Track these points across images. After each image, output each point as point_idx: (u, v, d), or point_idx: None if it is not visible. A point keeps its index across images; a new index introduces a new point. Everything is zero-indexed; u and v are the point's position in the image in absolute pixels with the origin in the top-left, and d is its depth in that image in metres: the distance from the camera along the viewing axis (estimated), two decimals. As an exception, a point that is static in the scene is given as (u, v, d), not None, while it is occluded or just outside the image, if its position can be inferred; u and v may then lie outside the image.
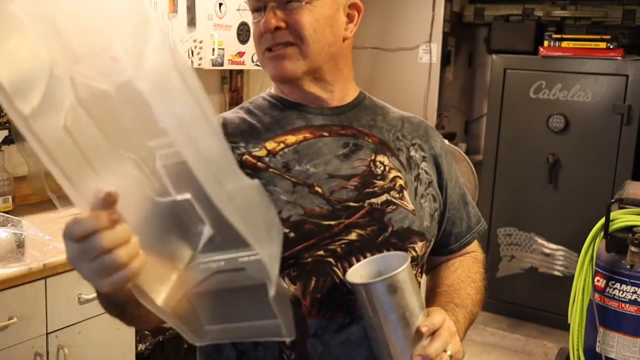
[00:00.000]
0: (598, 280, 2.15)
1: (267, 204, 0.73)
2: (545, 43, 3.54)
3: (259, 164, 1.04)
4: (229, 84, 3.34)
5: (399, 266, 0.93)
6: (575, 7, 3.71)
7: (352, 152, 1.08)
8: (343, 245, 1.01)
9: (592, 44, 3.44)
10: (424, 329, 0.92)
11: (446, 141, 1.28)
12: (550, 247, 3.65)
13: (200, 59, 2.64)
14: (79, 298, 1.89)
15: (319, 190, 1.03)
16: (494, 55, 3.72)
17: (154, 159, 0.69)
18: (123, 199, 0.67)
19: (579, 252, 2.25)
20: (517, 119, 3.65)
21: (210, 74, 3.15)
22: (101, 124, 0.66)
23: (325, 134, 1.08)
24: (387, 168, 1.08)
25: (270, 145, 1.06)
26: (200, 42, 2.62)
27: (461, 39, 4.21)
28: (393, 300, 0.92)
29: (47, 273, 1.79)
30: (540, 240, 3.68)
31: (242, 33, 2.84)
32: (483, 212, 3.20)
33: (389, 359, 0.95)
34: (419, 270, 1.11)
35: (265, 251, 0.68)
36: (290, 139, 1.07)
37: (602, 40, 3.41)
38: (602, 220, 2.14)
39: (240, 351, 1.05)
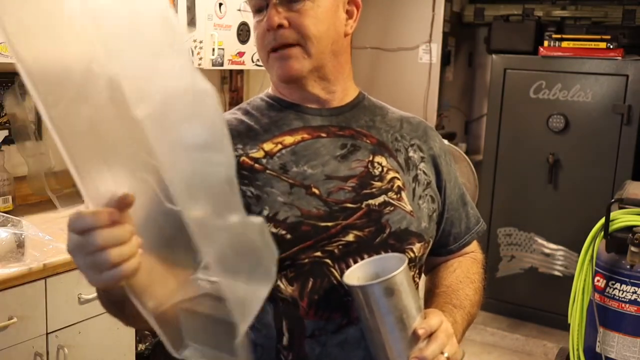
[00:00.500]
0: (598, 280, 2.15)
1: (265, 244, 0.69)
2: (545, 43, 3.54)
3: (257, 165, 1.04)
4: (229, 84, 3.34)
5: (397, 268, 0.93)
6: (575, 7, 3.71)
7: (350, 153, 1.07)
8: (340, 247, 1.01)
9: (592, 44, 3.44)
10: (420, 332, 0.92)
11: (445, 141, 1.28)
12: (550, 247, 3.65)
13: (200, 59, 2.64)
14: (79, 298, 1.89)
15: (316, 191, 1.03)
16: (494, 55, 3.72)
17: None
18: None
19: (579, 252, 2.25)
20: (517, 119, 3.65)
21: (210, 74, 3.15)
22: (128, 125, 0.64)
23: (323, 134, 1.08)
24: (385, 169, 1.07)
25: (267, 146, 1.06)
26: (200, 42, 2.62)
27: (461, 39, 4.21)
28: (390, 302, 0.92)
29: (47, 273, 1.79)
30: (540, 240, 3.68)
31: (242, 33, 2.84)
32: (483, 212, 3.24)
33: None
34: (417, 271, 1.11)
35: (238, 293, 0.68)
36: (288, 139, 1.07)
37: (602, 40, 3.41)
38: (602, 220, 2.14)
39: None
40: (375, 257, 1.01)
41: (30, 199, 2.37)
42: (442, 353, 0.93)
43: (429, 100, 3.90)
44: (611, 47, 3.37)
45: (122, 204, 0.68)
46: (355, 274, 0.99)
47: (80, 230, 0.68)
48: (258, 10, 1.04)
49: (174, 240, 0.72)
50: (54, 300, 1.83)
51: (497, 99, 3.69)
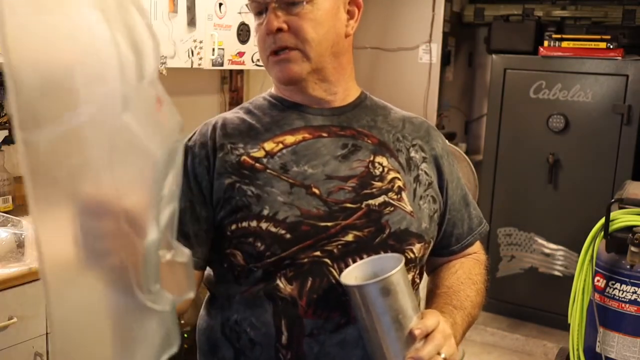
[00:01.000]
0: (598, 280, 2.15)
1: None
2: (545, 43, 3.54)
3: (257, 165, 1.04)
4: (229, 84, 3.34)
5: (394, 268, 0.93)
6: (575, 7, 3.71)
7: (350, 153, 1.07)
8: (340, 247, 1.02)
9: (592, 44, 3.44)
10: (416, 332, 0.92)
11: (447, 142, 1.28)
12: (550, 247, 3.65)
13: (200, 59, 2.64)
14: (79, 298, 1.89)
15: (316, 191, 1.03)
16: (494, 55, 3.72)
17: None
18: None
19: (579, 252, 2.25)
20: (517, 119, 3.65)
21: (210, 74, 3.15)
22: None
23: (324, 134, 1.08)
24: (385, 169, 1.07)
25: (268, 145, 1.06)
26: (200, 42, 2.62)
27: (461, 39, 4.21)
28: (386, 302, 0.92)
29: (47, 273, 1.79)
30: (540, 240, 3.68)
31: (242, 33, 2.83)
32: (483, 212, 3.21)
33: None
34: (417, 271, 1.11)
35: None
36: (289, 139, 1.07)
37: (602, 40, 3.41)
38: (602, 220, 2.14)
39: (238, 350, 1.05)
40: (373, 257, 1.01)
41: (30, 199, 2.37)
42: (439, 354, 0.93)
43: (429, 100, 3.90)
44: (611, 47, 3.37)
45: None
46: (353, 274, 0.99)
47: None
48: (258, 13, 1.05)
49: None
50: (54, 300, 1.83)
51: (497, 99, 3.69)
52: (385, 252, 1.03)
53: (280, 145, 1.06)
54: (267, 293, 1.02)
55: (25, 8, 0.51)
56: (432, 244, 1.13)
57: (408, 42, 3.97)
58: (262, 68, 3.39)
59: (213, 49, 2.67)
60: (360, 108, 1.13)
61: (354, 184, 1.05)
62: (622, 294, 2.09)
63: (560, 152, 3.53)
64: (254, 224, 1.01)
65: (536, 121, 3.57)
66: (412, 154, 1.12)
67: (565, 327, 2.33)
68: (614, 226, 2.11)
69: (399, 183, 1.07)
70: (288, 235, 1.00)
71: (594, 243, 2.18)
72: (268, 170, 1.04)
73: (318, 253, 1.01)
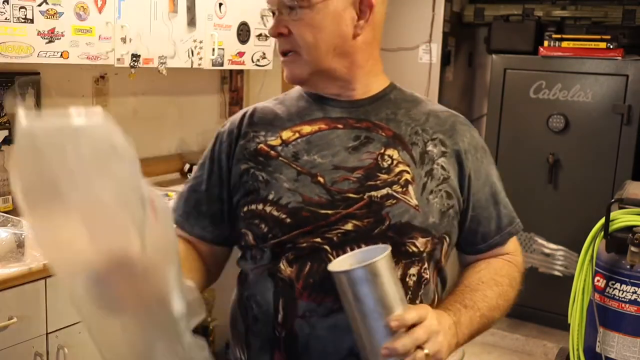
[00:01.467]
0: (598, 280, 2.15)
1: None
2: (545, 43, 3.54)
3: (271, 152, 1.11)
4: (229, 84, 3.34)
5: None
6: (575, 7, 3.71)
7: (362, 144, 1.09)
8: (339, 235, 1.05)
9: (592, 44, 3.43)
10: (392, 323, 0.93)
11: (479, 138, 1.20)
12: (550, 247, 3.65)
13: (200, 59, 2.64)
14: (79, 298, 1.89)
15: (321, 180, 1.07)
16: (494, 55, 3.71)
17: None
18: None
19: (579, 252, 2.25)
20: (517, 119, 3.65)
21: (210, 74, 3.15)
22: None
23: (340, 126, 1.11)
24: (394, 162, 1.08)
25: (286, 134, 1.12)
26: (200, 42, 2.62)
27: (461, 39, 4.20)
28: (366, 290, 0.93)
29: (47, 273, 1.79)
30: (540, 240, 3.68)
31: (242, 33, 2.83)
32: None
33: (363, 350, 0.96)
34: (425, 265, 1.09)
35: None
36: (306, 129, 1.12)
37: (602, 40, 3.41)
38: (602, 220, 2.14)
39: (247, 325, 1.12)
40: (365, 248, 1.03)
41: (30, 199, 2.37)
42: (422, 349, 0.92)
43: (429, 100, 3.90)
44: (611, 47, 3.37)
45: None
46: (347, 262, 1.00)
47: None
48: (273, 13, 1.11)
49: None
50: (54, 300, 1.83)
51: (497, 99, 3.69)
52: (385, 242, 1.03)
53: (297, 135, 1.11)
54: (271, 273, 1.08)
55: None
56: (448, 240, 1.11)
57: (408, 42, 3.97)
58: (262, 68, 3.38)
59: (213, 49, 2.67)
60: (382, 101, 1.14)
61: (360, 175, 1.07)
62: (622, 294, 2.09)
63: (560, 152, 3.53)
64: (260, 207, 1.08)
65: (536, 121, 3.57)
66: (430, 147, 1.10)
67: (565, 327, 2.33)
68: (614, 226, 2.11)
69: (406, 176, 1.07)
70: (288, 220, 1.05)
71: (594, 243, 2.18)
72: (280, 158, 1.10)
73: (318, 239, 1.05)
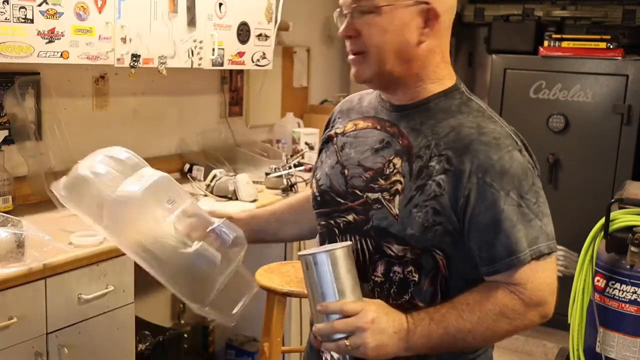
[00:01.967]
0: (598, 280, 2.15)
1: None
2: (545, 43, 3.55)
3: (334, 139, 1.28)
4: (229, 84, 3.34)
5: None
6: (575, 7, 3.71)
7: (382, 148, 1.18)
8: (344, 223, 1.21)
9: (592, 44, 3.44)
10: (318, 307, 1.08)
11: (503, 163, 1.10)
12: (550, 247, 3.65)
13: (200, 59, 2.64)
14: (79, 298, 1.89)
15: (345, 172, 1.22)
16: (494, 55, 3.72)
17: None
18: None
19: (579, 252, 2.25)
20: (517, 119, 3.64)
21: (210, 74, 3.15)
22: None
23: (378, 127, 1.21)
24: (394, 171, 1.14)
25: (348, 125, 1.27)
26: (200, 42, 2.62)
27: (461, 39, 4.21)
28: (310, 275, 1.09)
29: (47, 273, 1.79)
30: (540, 240, 3.68)
31: (242, 33, 2.83)
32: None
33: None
34: (407, 268, 1.14)
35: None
36: (360, 124, 1.25)
37: (602, 40, 3.41)
38: (602, 220, 2.14)
39: None
40: (334, 244, 1.18)
41: (30, 199, 2.37)
42: (346, 339, 1.05)
43: (429, 100, 3.90)
44: (611, 47, 3.37)
45: None
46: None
47: None
48: (343, 15, 1.17)
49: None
50: (54, 300, 1.83)
51: (497, 99, 3.69)
52: (368, 241, 1.16)
53: (353, 127, 1.26)
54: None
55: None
56: (441, 254, 1.12)
57: (408, 42, 3.96)
58: (262, 68, 3.38)
59: (213, 49, 2.67)
60: (420, 109, 1.17)
61: (369, 175, 1.17)
62: (622, 294, 2.09)
63: (560, 152, 3.53)
64: (313, 183, 1.31)
65: (536, 121, 3.57)
66: (432, 163, 1.11)
67: (565, 327, 2.33)
68: (614, 226, 2.11)
69: (398, 186, 1.13)
70: (318, 198, 1.26)
71: (594, 243, 2.18)
72: (334, 145, 1.27)
73: (332, 222, 1.23)
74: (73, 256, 1.85)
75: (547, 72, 3.53)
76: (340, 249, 1.09)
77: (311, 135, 3.51)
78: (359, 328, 1.05)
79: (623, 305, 2.08)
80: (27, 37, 1.97)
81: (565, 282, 3.12)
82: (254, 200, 2.66)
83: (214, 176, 2.72)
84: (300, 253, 1.13)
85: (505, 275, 1.09)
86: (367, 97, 1.30)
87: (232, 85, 3.37)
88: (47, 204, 2.31)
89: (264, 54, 2.99)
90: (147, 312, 2.78)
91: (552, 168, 3.55)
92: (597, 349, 2.14)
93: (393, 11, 1.10)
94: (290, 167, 2.94)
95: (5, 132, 2.32)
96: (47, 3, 2.01)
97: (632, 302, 2.07)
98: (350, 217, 1.19)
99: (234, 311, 1.29)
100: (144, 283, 2.82)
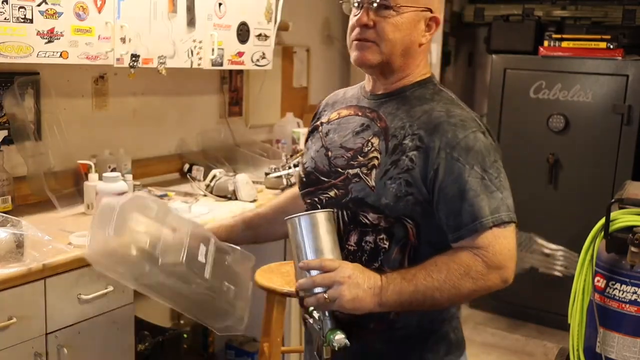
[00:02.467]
0: (598, 281, 2.15)
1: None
2: (545, 43, 3.55)
3: (319, 127, 1.44)
4: (229, 84, 3.34)
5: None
6: (575, 7, 3.71)
7: (362, 131, 1.33)
8: (327, 198, 1.35)
9: (592, 44, 3.44)
10: (300, 264, 1.23)
11: (466, 139, 1.25)
12: (550, 247, 3.65)
13: (200, 59, 2.64)
14: (78, 298, 1.89)
15: (329, 154, 1.36)
16: (494, 55, 3.72)
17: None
18: None
19: (579, 252, 2.25)
20: (517, 119, 3.65)
21: (209, 74, 3.15)
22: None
23: (360, 113, 1.37)
24: (372, 149, 1.29)
25: (333, 115, 1.43)
26: (200, 42, 2.62)
27: (461, 39, 4.21)
28: (302, 234, 1.24)
29: (46, 273, 1.79)
30: (540, 240, 3.68)
31: (242, 33, 2.83)
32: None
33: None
34: (379, 236, 1.28)
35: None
36: (343, 112, 1.41)
37: (602, 40, 3.41)
38: (602, 220, 2.14)
39: None
40: (318, 210, 1.30)
41: (29, 199, 2.37)
42: (325, 292, 1.18)
43: (429, 100, 3.89)
44: (611, 47, 3.37)
45: None
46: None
47: None
48: (357, 6, 1.30)
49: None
50: (54, 300, 1.83)
51: (497, 99, 3.69)
52: (346, 212, 1.30)
53: (337, 116, 1.41)
54: None
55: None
56: (412, 223, 1.26)
57: (408, 42, 3.96)
58: (262, 68, 3.37)
59: (213, 49, 2.67)
60: (397, 97, 1.34)
61: (350, 155, 1.32)
62: (622, 294, 2.08)
63: (560, 152, 3.53)
64: (300, 166, 1.46)
65: (536, 121, 3.57)
66: (406, 141, 1.26)
67: (565, 327, 2.33)
68: (614, 226, 2.11)
69: (375, 162, 1.28)
70: (304, 179, 1.41)
71: (594, 243, 2.18)
72: (319, 133, 1.43)
73: (316, 199, 1.37)
74: (73, 256, 1.85)
75: (547, 72, 3.53)
76: (321, 213, 1.26)
77: (311, 135, 3.50)
78: (336, 282, 1.18)
79: (623, 305, 2.08)
80: (26, 37, 1.97)
81: (565, 282, 3.14)
82: (254, 200, 2.65)
83: (214, 176, 2.72)
84: (286, 217, 1.27)
85: (469, 240, 1.21)
86: (351, 90, 1.46)
87: (232, 85, 3.37)
88: (46, 204, 2.31)
89: (264, 54, 2.99)
90: (146, 312, 2.78)
91: (552, 168, 3.55)
92: (597, 349, 2.14)
93: (408, 13, 1.27)
94: (290, 167, 2.94)
95: (5, 132, 2.31)
96: (46, 3, 2.01)
97: (632, 303, 2.06)
98: (332, 193, 1.33)
99: (244, 323, 1.43)
100: (143, 283, 2.79)
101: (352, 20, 1.32)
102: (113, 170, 2.56)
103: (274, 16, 3.02)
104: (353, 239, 1.30)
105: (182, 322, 3.05)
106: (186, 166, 3.02)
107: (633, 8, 3.57)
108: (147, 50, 2.39)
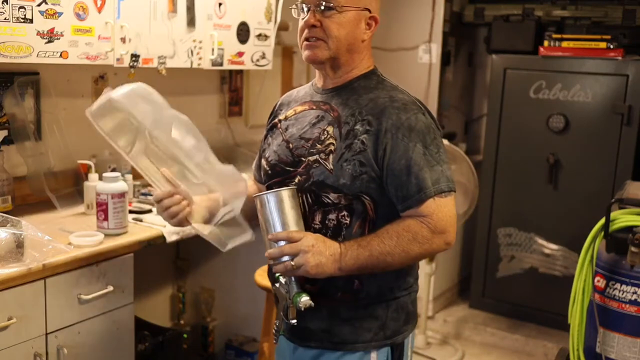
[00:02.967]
0: (598, 281, 2.15)
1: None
2: (545, 43, 3.54)
3: (278, 124, 1.57)
4: (229, 84, 3.34)
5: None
6: (575, 7, 3.71)
7: (318, 122, 1.48)
8: (293, 184, 1.46)
9: (592, 44, 3.43)
10: (269, 236, 1.40)
11: (410, 120, 1.41)
12: (550, 247, 3.65)
13: (200, 59, 2.64)
14: (78, 298, 1.89)
15: (290, 145, 1.50)
16: (494, 55, 3.72)
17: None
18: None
19: (579, 252, 2.25)
20: (517, 119, 3.65)
21: (209, 74, 3.15)
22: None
23: (314, 107, 1.52)
24: (328, 136, 1.44)
25: (289, 112, 1.57)
26: (200, 42, 2.62)
27: (461, 39, 4.20)
28: (269, 210, 1.40)
29: (46, 273, 1.79)
30: (540, 241, 3.68)
31: (242, 33, 2.83)
32: (483, 212, 3.25)
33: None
34: (340, 213, 1.42)
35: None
36: (299, 108, 1.55)
37: (602, 40, 3.41)
38: (602, 221, 2.14)
39: None
40: (282, 187, 1.43)
41: (29, 199, 2.37)
42: (292, 260, 1.35)
43: (429, 100, 3.90)
44: (611, 47, 3.37)
45: (174, 189, 1.49)
46: None
47: (156, 200, 1.49)
48: (304, 10, 1.46)
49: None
50: (54, 300, 1.83)
51: (497, 99, 3.69)
52: (311, 193, 1.44)
53: (293, 112, 1.55)
54: None
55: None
56: (369, 199, 1.41)
57: (408, 42, 3.97)
58: (262, 68, 3.37)
59: (212, 49, 2.67)
60: (346, 89, 1.49)
61: (310, 144, 1.46)
62: (622, 294, 2.09)
63: (560, 152, 3.53)
64: (263, 160, 1.59)
65: (536, 121, 3.57)
66: (357, 126, 1.42)
67: (565, 327, 2.33)
68: (614, 226, 2.11)
69: (331, 147, 1.43)
70: (269, 172, 1.54)
71: (594, 243, 2.18)
72: (279, 129, 1.56)
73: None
74: (73, 256, 1.85)
75: (547, 72, 3.53)
76: (286, 190, 1.40)
77: (311, 135, 3.50)
78: (301, 250, 1.35)
79: (623, 305, 2.08)
80: (26, 37, 1.97)
81: (565, 282, 3.14)
82: (254, 201, 2.65)
83: (214, 176, 2.72)
84: (255, 195, 1.44)
85: (415, 209, 1.38)
86: (303, 89, 1.61)
87: (232, 85, 3.37)
88: (46, 204, 2.31)
89: (264, 54, 2.99)
90: (146, 312, 2.78)
91: (552, 168, 3.55)
92: (597, 349, 2.14)
93: (350, 12, 1.42)
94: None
95: (5, 132, 2.31)
96: (46, 3, 2.01)
97: (632, 303, 2.07)
98: (296, 180, 1.46)
99: (227, 247, 1.51)
100: (143, 283, 2.81)
101: (301, 22, 1.47)
102: (113, 170, 2.56)
103: (274, 16, 3.02)
104: (317, 218, 1.44)
105: (182, 322, 3.05)
106: (186, 166, 3.02)
107: (633, 8, 3.56)
108: (147, 50, 2.39)
